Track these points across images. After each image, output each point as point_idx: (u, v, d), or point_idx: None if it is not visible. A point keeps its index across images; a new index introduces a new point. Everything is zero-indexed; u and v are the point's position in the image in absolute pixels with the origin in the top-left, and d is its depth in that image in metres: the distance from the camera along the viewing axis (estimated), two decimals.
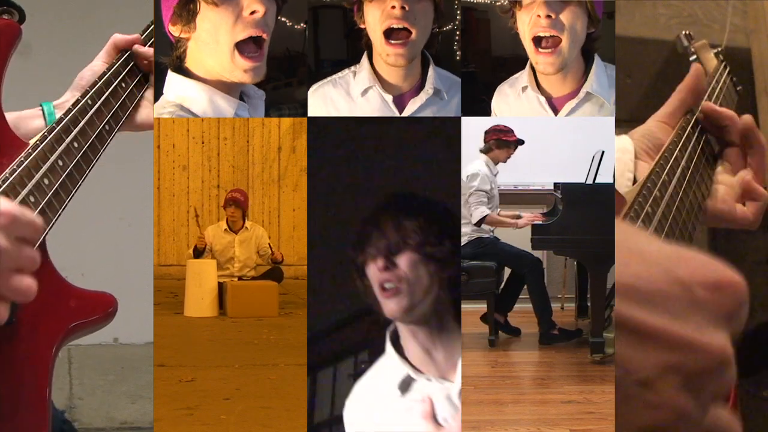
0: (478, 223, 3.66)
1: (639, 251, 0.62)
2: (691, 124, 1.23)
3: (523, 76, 1.64)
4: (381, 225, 0.99)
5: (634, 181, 1.18)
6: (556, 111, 1.61)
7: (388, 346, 1.02)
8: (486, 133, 3.74)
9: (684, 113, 1.28)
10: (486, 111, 1.67)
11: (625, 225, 0.80)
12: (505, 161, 3.79)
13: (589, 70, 1.61)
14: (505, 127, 3.72)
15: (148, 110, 1.37)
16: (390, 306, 0.97)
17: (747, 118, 1.26)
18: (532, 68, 1.61)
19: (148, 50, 1.35)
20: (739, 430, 0.63)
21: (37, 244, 0.91)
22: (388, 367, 1.02)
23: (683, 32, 1.62)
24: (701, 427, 0.60)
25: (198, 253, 4.40)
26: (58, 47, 3.94)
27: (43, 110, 1.29)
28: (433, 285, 0.99)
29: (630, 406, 0.59)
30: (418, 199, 1.05)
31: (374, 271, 0.98)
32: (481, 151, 3.76)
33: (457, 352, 1.00)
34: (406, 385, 0.99)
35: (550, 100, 1.62)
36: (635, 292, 0.60)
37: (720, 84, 1.44)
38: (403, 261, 0.97)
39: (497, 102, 1.67)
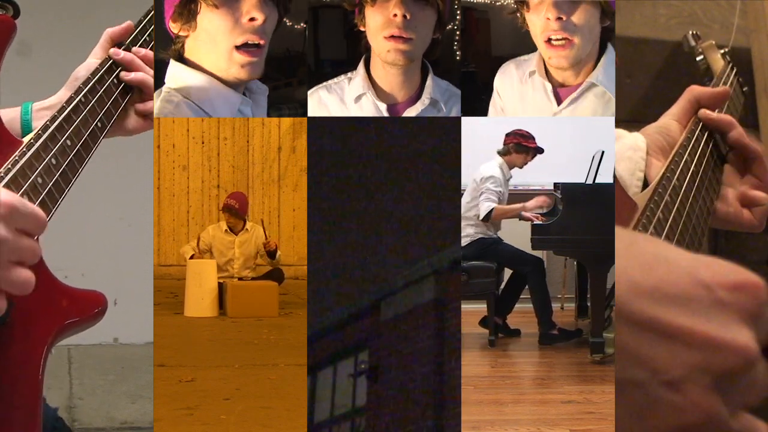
0: (486, 218, 3.64)
1: (664, 257, 0.64)
2: (700, 126, 1.23)
3: (532, 60, 1.58)
4: None
5: (644, 182, 1.18)
6: (560, 101, 1.57)
7: None
8: (507, 135, 3.73)
9: (694, 113, 1.28)
10: (485, 111, 1.66)
11: (643, 234, 0.81)
12: (521, 167, 3.77)
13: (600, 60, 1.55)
14: (527, 132, 3.72)
15: (136, 118, 1.35)
16: None
17: (734, 134, 1.26)
18: None
19: (128, 56, 1.30)
20: None
21: (37, 237, 0.90)
22: None
23: (690, 32, 1.60)
24: (730, 430, 0.61)
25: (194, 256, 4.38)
26: (58, 47, 3.93)
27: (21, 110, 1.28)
28: None
29: (655, 409, 0.60)
30: None
31: None
32: (499, 152, 3.74)
33: None
34: None
35: (556, 89, 1.57)
36: (660, 295, 0.61)
37: (727, 85, 1.44)
38: None
39: (500, 80, 1.61)
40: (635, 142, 1.22)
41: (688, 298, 0.62)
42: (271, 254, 4.38)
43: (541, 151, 3.75)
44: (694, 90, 1.31)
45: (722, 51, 1.61)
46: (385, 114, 1.54)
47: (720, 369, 0.60)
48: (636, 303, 0.61)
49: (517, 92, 1.60)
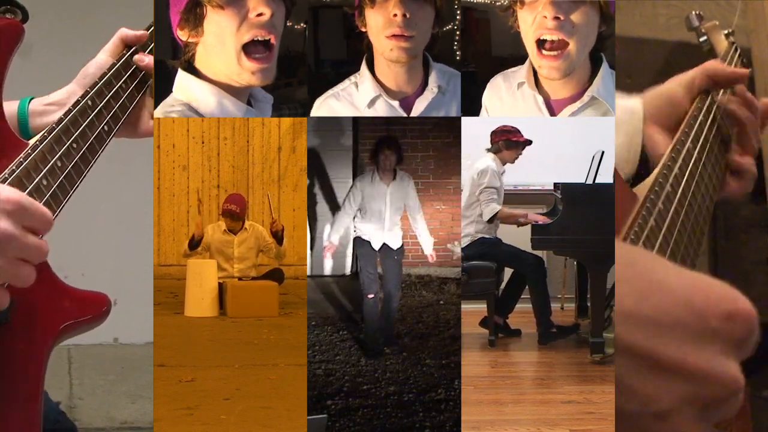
0: (490, 220, 3.62)
1: (659, 282, 0.64)
2: (702, 112, 1.22)
3: (521, 71, 1.55)
4: None
5: (642, 151, 1.16)
6: (553, 113, 1.54)
7: None
8: (493, 133, 3.68)
9: (701, 90, 1.26)
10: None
11: (643, 252, 0.81)
12: (512, 162, 3.74)
13: (596, 72, 1.52)
14: (513, 127, 3.66)
15: (149, 122, 1.36)
16: None
17: (740, 88, 1.25)
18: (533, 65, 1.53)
19: (150, 63, 1.33)
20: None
21: (44, 235, 0.91)
22: None
23: (693, 12, 1.57)
24: None
25: (194, 244, 4.31)
26: (58, 47, 3.94)
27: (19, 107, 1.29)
28: None
29: None
30: None
31: None
32: (489, 151, 3.69)
33: None
34: None
35: (548, 101, 1.54)
36: (654, 325, 0.62)
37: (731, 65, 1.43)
38: None
39: (488, 96, 1.60)
40: (632, 107, 1.21)
41: (681, 328, 0.63)
42: (278, 237, 4.32)
43: (529, 142, 3.68)
44: (712, 65, 1.29)
45: (726, 32, 1.58)
46: (399, 110, 1.55)
47: (708, 399, 0.62)
48: (631, 335, 0.62)
49: (507, 105, 1.57)
